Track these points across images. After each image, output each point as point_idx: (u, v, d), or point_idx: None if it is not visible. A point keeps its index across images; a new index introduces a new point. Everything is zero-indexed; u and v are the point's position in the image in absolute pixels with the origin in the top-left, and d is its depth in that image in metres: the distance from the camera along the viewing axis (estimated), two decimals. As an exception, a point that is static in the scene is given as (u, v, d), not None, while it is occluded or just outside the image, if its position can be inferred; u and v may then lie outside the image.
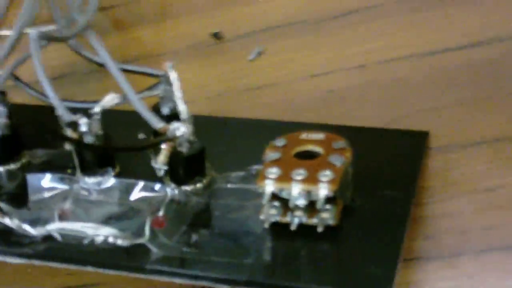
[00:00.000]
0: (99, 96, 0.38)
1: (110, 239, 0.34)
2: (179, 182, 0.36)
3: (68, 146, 0.37)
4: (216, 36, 0.44)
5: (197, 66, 0.44)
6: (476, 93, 0.40)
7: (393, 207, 0.35)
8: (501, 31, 0.41)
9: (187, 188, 0.37)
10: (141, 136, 0.37)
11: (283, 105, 0.42)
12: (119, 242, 0.34)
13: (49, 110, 0.39)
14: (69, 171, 0.38)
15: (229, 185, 0.37)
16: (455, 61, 0.41)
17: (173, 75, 0.38)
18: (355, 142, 0.37)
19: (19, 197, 0.37)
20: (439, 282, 0.36)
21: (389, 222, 0.35)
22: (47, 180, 0.37)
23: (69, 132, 0.36)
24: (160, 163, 0.36)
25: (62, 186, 0.37)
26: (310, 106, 0.41)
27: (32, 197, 0.37)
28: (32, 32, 0.38)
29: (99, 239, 0.35)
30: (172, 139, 0.36)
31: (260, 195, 0.35)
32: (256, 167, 0.37)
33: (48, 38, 0.38)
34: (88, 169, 0.37)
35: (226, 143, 0.40)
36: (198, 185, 0.37)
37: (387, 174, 0.37)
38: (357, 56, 0.42)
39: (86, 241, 0.35)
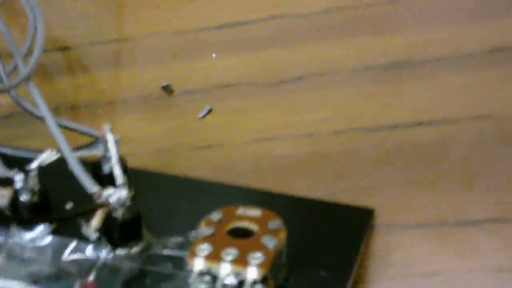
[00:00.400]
0: (47, 138, 0.38)
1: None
2: (113, 245, 0.36)
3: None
4: (166, 89, 0.43)
5: (145, 118, 0.43)
6: (423, 174, 0.39)
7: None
8: (452, 112, 0.41)
9: (122, 252, 0.36)
10: (68, 205, 0.36)
11: (227, 167, 0.41)
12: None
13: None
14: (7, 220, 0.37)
15: (165, 251, 0.36)
16: (404, 138, 0.40)
17: (110, 138, 0.37)
18: (295, 213, 0.37)
19: None
20: None
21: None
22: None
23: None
24: (92, 229, 0.35)
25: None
26: (254, 171, 0.40)
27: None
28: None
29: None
30: (106, 204, 0.35)
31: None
32: (194, 233, 0.36)
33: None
34: (25, 223, 0.36)
35: (167, 203, 0.39)
36: (133, 249, 0.36)
37: (325, 252, 0.36)
38: (305, 124, 0.41)
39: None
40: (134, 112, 0.43)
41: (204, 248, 0.34)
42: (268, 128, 0.42)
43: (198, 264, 0.33)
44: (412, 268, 0.37)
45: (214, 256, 0.33)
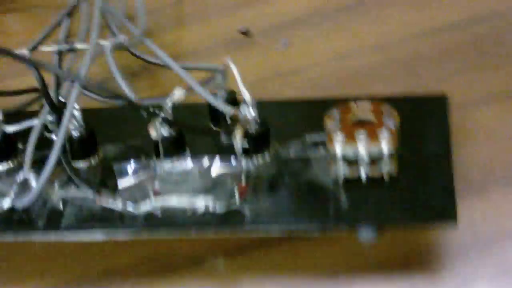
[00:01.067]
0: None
1: (206, 208, 0.40)
2: (249, 156, 0.42)
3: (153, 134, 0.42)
4: (244, 33, 0.50)
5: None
6: (484, 60, 0.47)
7: (436, 157, 0.41)
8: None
9: (258, 161, 0.42)
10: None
11: (312, 85, 0.48)
12: (215, 209, 0.40)
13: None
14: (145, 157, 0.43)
15: (292, 155, 0.42)
16: (460, 35, 0.48)
17: (233, 67, 0.43)
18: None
19: (108, 188, 0.42)
20: (468, 211, 0.42)
21: (438, 167, 0.41)
22: (131, 168, 0.42)
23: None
24: (239, 143, 0.41)
25: (146, 172, 0.42)
26: (337, 84, 0.48)
27: (121, 184, 0.42)
28: (106, 44, 0.43)
29: (197, 209, 0.40)
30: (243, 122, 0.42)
31: (323, 160, 0.41)
32: (309, 137, 0.43)
33: (118, 48, 0.43)
34: (165, 155, 0.42)
35: (271, 123, 0.44)
36: (267, 157, 0.42)
37: (422, 135, 0.43)
38: (373, 37, 0.49)
39: (184, 213, 0.40)
40: (218, 56, 0.49)
41: (339, 135, 0.41)
42: (341, 47, 0.49)
43: (339, 147, 0.40)
44: (493, 134, 0.44)
45: (350, 140, 0.40)
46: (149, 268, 0.43)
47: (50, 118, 0.43)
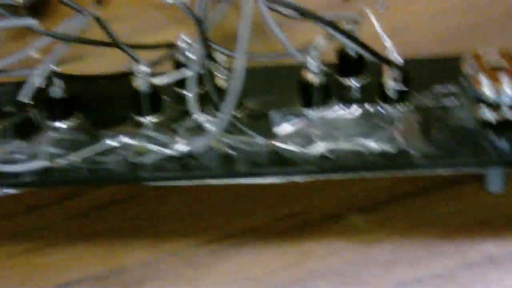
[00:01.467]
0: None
1: (378, 148, 0.42)
2: (396, 102, 0.44)
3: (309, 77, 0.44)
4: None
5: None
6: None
7: None
8: None
9: (404, 107, 0.44)
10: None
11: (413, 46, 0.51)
12: (386, 148, 0.42)
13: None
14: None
15: (430, 103, 0.45)
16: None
17: (371, 15, 0.45)
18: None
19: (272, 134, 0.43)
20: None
21: None
22: (286, 116, 0.44)
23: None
24: (391, 85, 0.44)
25: (301, 120, 0.44)
26: (437, 43, 0.51)
27: (282, 131, 0.43)
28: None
29: (367, 151, 0.42)
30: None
31: (462, 107, 0.44)
32: (440, 88, 0.45)
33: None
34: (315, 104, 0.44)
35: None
36: (411, 104, 0.45)
37: None
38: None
39: (354, 155, 0.42)
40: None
41: (484, 78, 0.43)
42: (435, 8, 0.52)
43: (486, 90, 0.43)
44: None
45: (494, 82, 0.43)
46: (286, 225, 0.45)
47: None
